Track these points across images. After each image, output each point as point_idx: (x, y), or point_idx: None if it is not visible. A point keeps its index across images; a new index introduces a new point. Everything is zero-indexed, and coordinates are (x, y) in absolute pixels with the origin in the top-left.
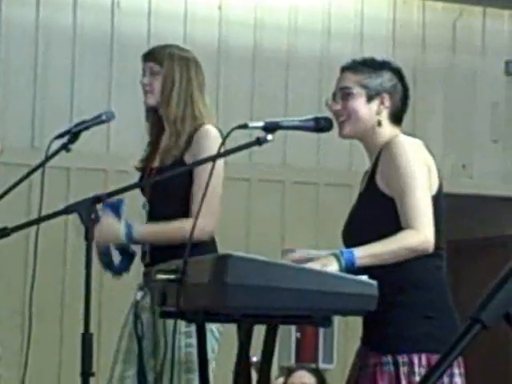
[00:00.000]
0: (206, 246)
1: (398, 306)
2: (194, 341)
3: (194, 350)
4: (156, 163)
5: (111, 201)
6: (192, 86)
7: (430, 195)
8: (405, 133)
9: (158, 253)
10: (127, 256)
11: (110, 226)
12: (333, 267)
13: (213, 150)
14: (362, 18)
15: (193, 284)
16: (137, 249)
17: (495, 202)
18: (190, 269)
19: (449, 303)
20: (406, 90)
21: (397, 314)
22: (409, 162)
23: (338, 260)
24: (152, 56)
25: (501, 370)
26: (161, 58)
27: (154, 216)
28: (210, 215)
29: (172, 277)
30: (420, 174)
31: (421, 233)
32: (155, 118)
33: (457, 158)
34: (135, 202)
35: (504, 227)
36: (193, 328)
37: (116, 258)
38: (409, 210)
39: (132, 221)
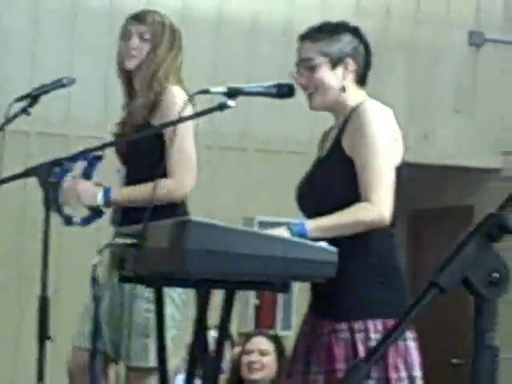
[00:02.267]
0: (177, 209)
1: (352, 273)
2: (153, 306)
3: (153, 315)
4: (129, 127)
5: (90, 155)
6: (171, 50)
7: (394, 166)
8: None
9: (127, 217)
10: (96, 212)
11: (87, 189)
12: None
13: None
14: None
15: (152, 248)
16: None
17: (456, 171)
18: (149, 233)
19: (401, 270)
20: (367, 48)
21: (351, 281)
22: (375, 131)
23: (291, 232)
24: (142, 19)
25: (458, 333)
26: (150, 22)
27: (130, 180)
28: (185, 174)
29: (130, 241)
30: (385, 145)
31: (377, 207)
32: (129, 82)
33: (419, 128)
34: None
35: (465, 197)
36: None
37: (82, 212)
38: (369, 182)
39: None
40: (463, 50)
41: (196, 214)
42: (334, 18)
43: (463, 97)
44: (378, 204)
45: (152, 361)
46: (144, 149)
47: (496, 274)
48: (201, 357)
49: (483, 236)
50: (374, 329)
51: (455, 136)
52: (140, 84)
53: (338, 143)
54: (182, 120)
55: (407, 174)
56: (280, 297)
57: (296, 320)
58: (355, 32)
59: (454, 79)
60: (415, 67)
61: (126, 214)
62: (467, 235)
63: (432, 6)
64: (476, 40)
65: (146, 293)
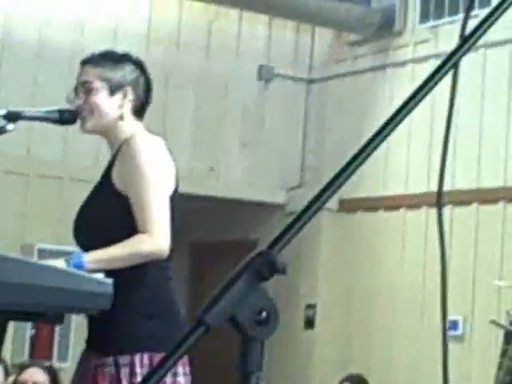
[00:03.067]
0: None
1: (121, 306)
2: None
3: None
4: None
5: None
6: None
7: (168, 197)
8: (148, 129)
9: None
10: None
11: None
12: None
13: None
14: (117, 14)
15: None
16: None
17: (241, 205)
18: None
19: (174, 303)
20: (148, 82)
21: (118, 314)
22: (144, 163)
23: (67, 263)
24: None
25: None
26: None
27: None
28: None
29: None
30: (156, 176)
31: (156, 239)
32: None
33: (205, 160)
34: None
35: (249, 231)
36: None
37: None
38: (144, 214)
39: None
40: (252, 83)
41: None
42: (124, 46)
43: (250, 131)
44: (156, 236)
45: None
46: None
47: (264, 314)
48: None
49: (252, 274)
50: (140, 363)
51: (241, 169)
52: None
53: (108, 175)
54: None
55: (192, 206)
56: (57, 328)
57: (74, 352)
58: (138, 64)
59: (243, 112)
60: (204, 99)
61: None
62: (236, 272)
63: (223, 38)
64: (265, 74)
65: None
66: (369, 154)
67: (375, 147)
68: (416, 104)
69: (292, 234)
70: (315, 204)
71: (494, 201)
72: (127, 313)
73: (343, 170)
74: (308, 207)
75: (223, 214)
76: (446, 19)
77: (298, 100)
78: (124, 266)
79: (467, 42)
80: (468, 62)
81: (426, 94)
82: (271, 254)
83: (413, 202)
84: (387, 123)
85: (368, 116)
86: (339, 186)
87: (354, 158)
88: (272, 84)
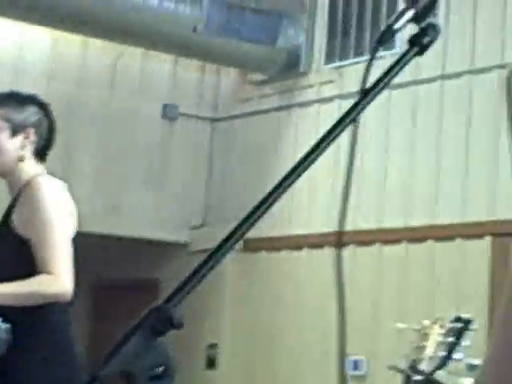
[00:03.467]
0: None
1: (18, 351)
2: None
3: None
4: None
5: None
6: None
7: (69, 239)
8: (49, 172)
9: None
10: None
11: None
12: None
13: None
14: (19, 50)
15: None
16: None
17: (144, 244)
18: None
19: (73, 347)
20: (51, 125)
21: (16, 359)
22: (47, 205)
23: None
24: None
25: None
26: None
27: None
28: None
29: None
30: (58, 219)
31: (60, 281)
32: None
33: (108, 199)
34: None
35: (151, 270)
36: None
37: None
38: (48, 256)
39: None
40: (157, 122)
41: None
42: (27, 81)
43: (154, 169)
44: (61, 278)
45: None
46: None
47: (159, 369)
48: None
49: (148, 329)
50: None
51: (144, 208)
52: None
53: (8, 218)
54: None
55: (94, 244)
56: None
57: None
58: (42, 106)
59: (146, 151)
60: (107, 136)
61: None
62: (133, 327)
63: (127, 76)
64: (170, 113)
65: None
66: (274, 201)
67: (280, 194)
68: (319, 154)
69: (190, 287)
70: (216, 255)
71: (397, 241)
72: (25, 357)
73: (246, 218)
74: (209, 258)
75: (125, 252)
76: (352, 60)
77: (202, 139)
78: (24, 304)
79: (368, 94)
80: (374, 102)
81: (328, 145)
82: (167, 309)
83: (316, 242)
84: (292, 171)
85: (272, 156)
86: (241, 236)
87: (258, 205)
88: (176, 123)
